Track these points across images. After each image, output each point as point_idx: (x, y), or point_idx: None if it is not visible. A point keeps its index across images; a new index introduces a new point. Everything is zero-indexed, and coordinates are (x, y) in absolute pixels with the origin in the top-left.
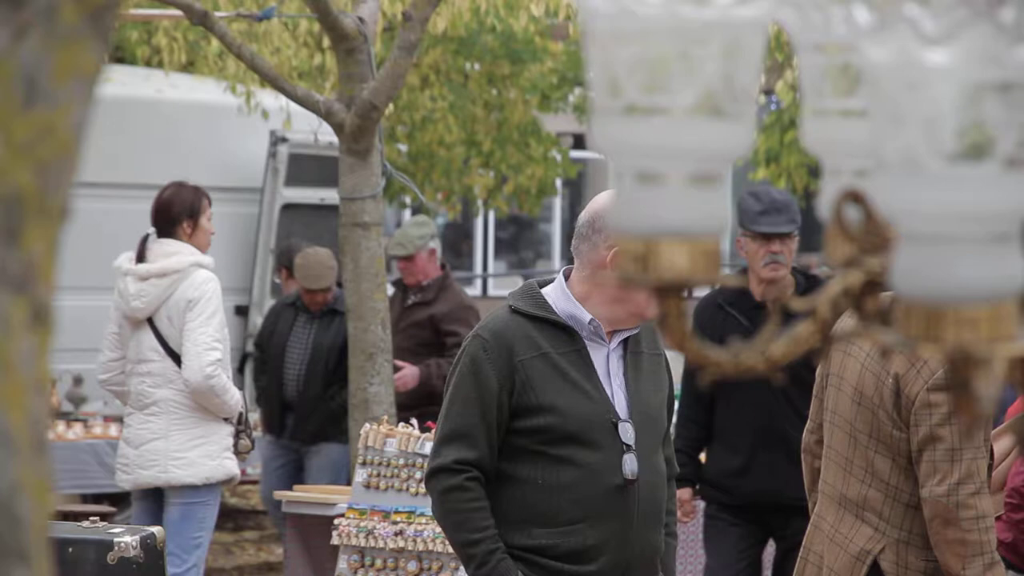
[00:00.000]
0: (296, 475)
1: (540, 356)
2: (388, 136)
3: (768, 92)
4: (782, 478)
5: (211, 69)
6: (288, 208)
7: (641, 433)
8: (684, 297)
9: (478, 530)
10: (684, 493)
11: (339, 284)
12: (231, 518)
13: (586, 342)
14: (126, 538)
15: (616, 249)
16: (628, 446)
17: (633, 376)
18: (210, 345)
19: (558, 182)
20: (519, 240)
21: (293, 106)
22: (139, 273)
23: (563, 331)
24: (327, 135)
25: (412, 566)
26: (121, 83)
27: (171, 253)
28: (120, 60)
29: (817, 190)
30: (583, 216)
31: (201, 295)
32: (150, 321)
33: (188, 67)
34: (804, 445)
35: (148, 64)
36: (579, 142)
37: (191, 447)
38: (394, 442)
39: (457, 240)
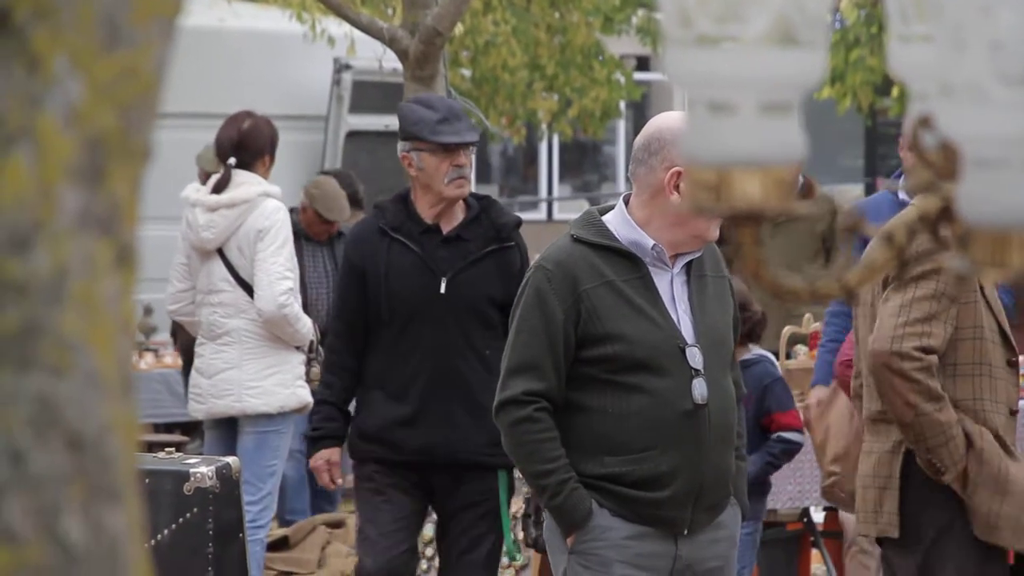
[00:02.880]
0: None
1: (604, 284)
2: (452, 61)
3: (833, 10)
4: (460, 430)
5: None
6: (353, 135)
7: (709, 357)
8: (759, 226)
9: (549, 460)
10: (332, 454)
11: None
12: None
13: (649, 268)
14: (202, 468)
15: (674, 169)
16: (697, 371)
17: (699, 300)
18: (282, 275)
19: (622, 104)
20: (583, 163)
21: (357, 33)
22: (208, 204)
23: (626, 258)
24: (391, 61)
25: None
26: (185, 12)
27: (240, 183)
28: None
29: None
30: (639, 140)
31: (271, 224)
32: (220, 252)
33: None
34: (854, 391)
35: None
36: (642, 64)
37: (265, 376)
38: None
39: (522, 164)
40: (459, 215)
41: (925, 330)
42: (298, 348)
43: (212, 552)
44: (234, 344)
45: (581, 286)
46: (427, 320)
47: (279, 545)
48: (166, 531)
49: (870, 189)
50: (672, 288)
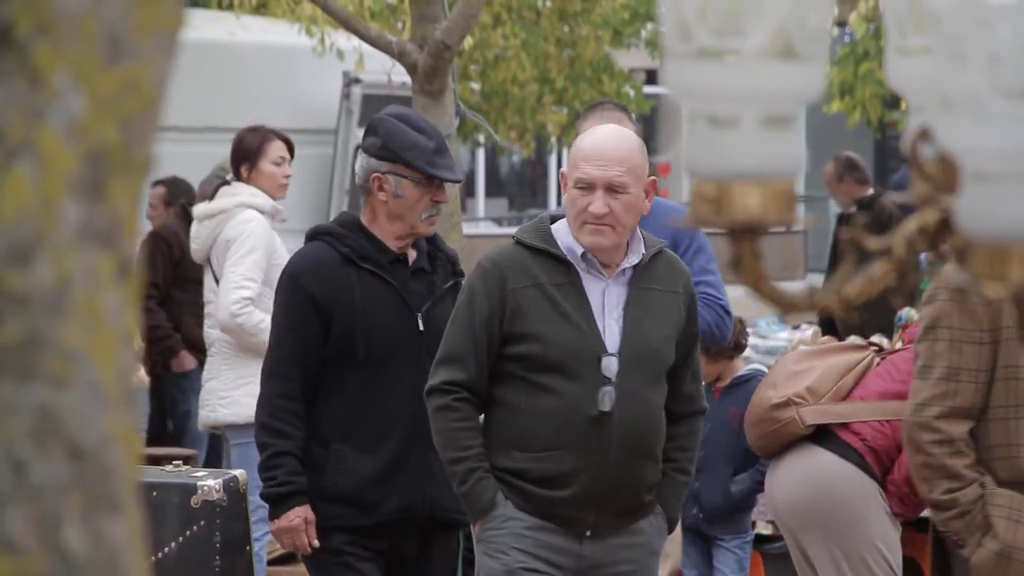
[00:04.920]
0: None
1: (534, 286)
2: (461, 75)
3: (841, 24)
4: (436, 483)
5: (284, 11)
6: None
7: (630, 368)
8: (758, 238)
9: (462, 449)
10: (308, 512)
11: None
12: None
13: (582, 274)
14: (209, 481)
15: (562, 170)
16: (608, 379)
17: (635, 311)
18: (239, 284)
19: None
20: None
21: (366, 47)
22: (198, 215)
23: (561, 263)
24: (400, 75)
25: None
26: (194, 26)
27: (229, 194)
28: (193, 3)
29: (892, 121)
30: None
31: (238, 234)
32: (209, 263)
33: (260, 9)
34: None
35: (220, 7)
36: (652, 78)
37: (237, 387)
38: None
39: (532, 177)
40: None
41: (950, 389)
42: None
43: (219, 565)
44: (217, 355)
45: (509, 286)
46: (405, 360)
47: (286, 559)
48: (173, 544)
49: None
50: (604, 296)
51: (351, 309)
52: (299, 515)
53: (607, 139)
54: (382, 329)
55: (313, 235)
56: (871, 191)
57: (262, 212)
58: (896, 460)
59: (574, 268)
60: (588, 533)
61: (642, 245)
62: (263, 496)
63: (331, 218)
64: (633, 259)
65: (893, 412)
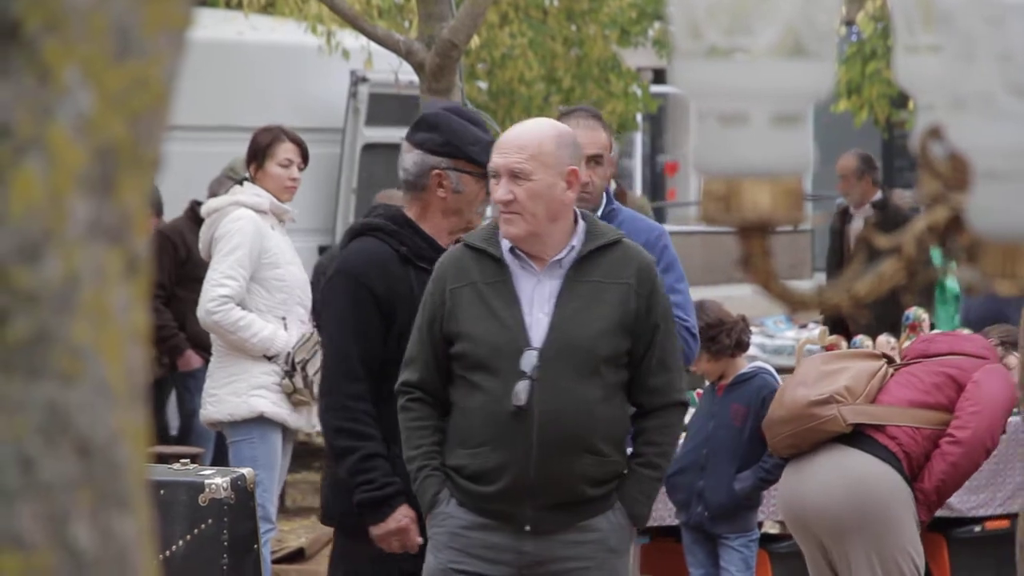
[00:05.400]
0: None
1: (468, 285)
2: (468, 74)
3: (849, 23)
4: None
5: (291, 10)
6: (369, 148)
7: (553, 362)
8: (768, 237)
9: (413, 447)
10: (410, 511)
11: None
12: (318, 457)
13: (515, 271)
14: (217, 479)
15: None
16: (523, 373)
17: (566, 304)
18: (218, 281)
19: (639, 117)
20: None
21: (373, 46)
22: (203, 214)
23: (496, 261)
24: (407, 74)
25: None
26: (202, 25)
27: (233, 194)
28: (201, 2)
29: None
30: None
31: (224, 232)
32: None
33: (268, 8)
34: None
35: (228, 6)
36: (659, 77)
37: (223, 384)
38: None
39: None
40: None
41: None
42: (270, 359)
43: (227, 563)
44: (214, 354)
45: (448, 286)
46: None
47: (295, 557)
48: (181, 542)
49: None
50: (535, 290)
51: (412, 308)
52: (406, 515)
53: (516, 129)
54: None
55: (362, 230)
56: (879, 193)
57: (259, 211)
58: (924, 468)
59: (505, 265)
60: (528, 528)
61: (582, 237)
62: (361, 502)
63: (338, 217)
64: (564, 252)
65: (925, 420)
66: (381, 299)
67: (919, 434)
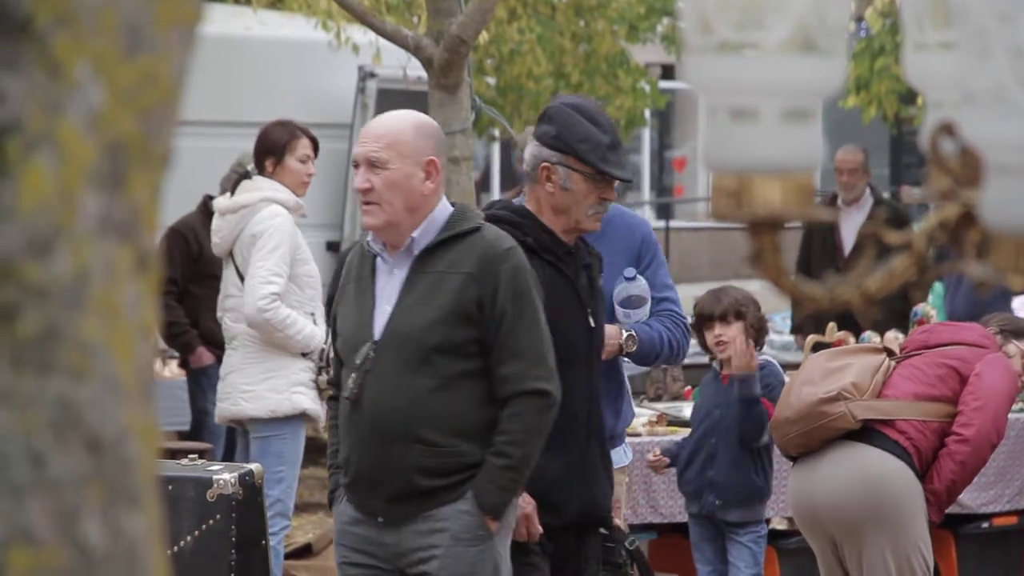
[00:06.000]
0: None
1: (351, 283)
2: (477, 70)
3: (858, 19)
4: (599, 483)
5: (299, 5)
6: None
7: (383, 353)
8: (778, 232)
9: (329, 445)
10: (528, 498)
11: None
12: (324, 453)
13: (379, 264)
14: (225, 475)
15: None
16: (357, 365)
17: (406, 295)
18: (266, 279)
19: (647, 113)
20: None
21: (382, 41)
22: (220, 209)
23: (373, 257)
24: (416, 70)
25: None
26: (210, 21)
27: (251, 189)
28: None
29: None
30: None
31: (264, 229)
32: (232, 257)
33: (276, 4)
34: None
35: (237, 2)
36: (667, 72)
37: (260, 380)
38: None
39: None
40: None
41: None
42: (305, 355)
43: (235, 559)
44: (239, 348)
45: (340, 285)
46: (581, 359)
47: (302, 553)
48: (189, 537)
49: (896, 198)
50: (388, 283)
51: (539, 300)
52: (529, 502)
53: (377, 119)
54: (565, 326)
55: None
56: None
57: (286, 208)
58: (932, 468)
59: (371, 260)
60: (380, 520)
61: (432, 228)
62: None
63: (346, 213)
64: (409, 242)
65: (932, 413)
66: None
67: (927, 428)
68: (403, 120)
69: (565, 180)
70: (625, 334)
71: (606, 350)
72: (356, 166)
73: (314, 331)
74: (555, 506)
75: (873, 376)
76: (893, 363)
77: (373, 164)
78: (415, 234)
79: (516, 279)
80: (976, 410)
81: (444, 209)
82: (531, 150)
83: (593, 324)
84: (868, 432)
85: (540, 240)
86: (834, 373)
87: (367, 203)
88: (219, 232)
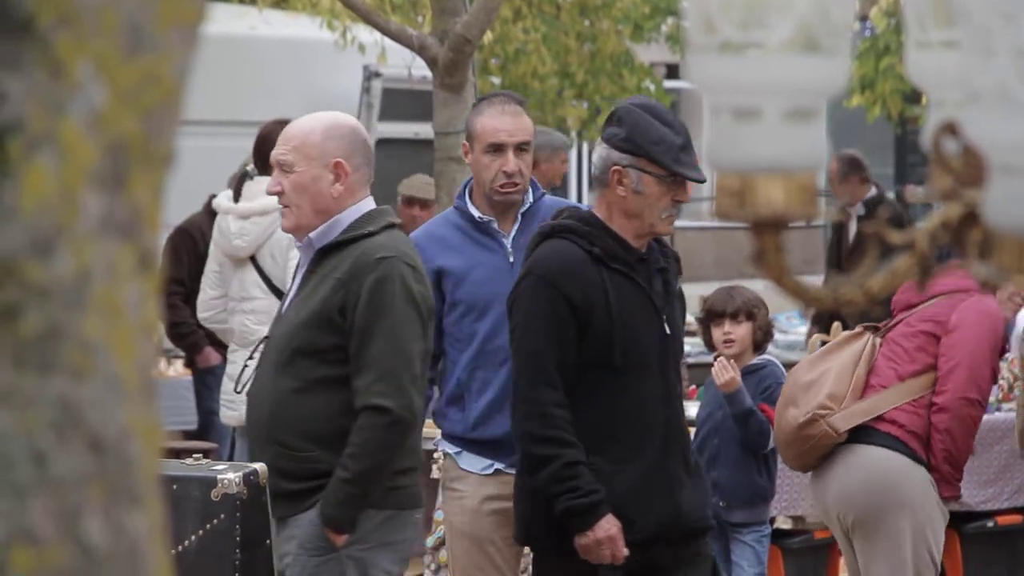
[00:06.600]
0: None
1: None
2: (481, 69)
3: (863, 18)
4: (685, 494)
5: (304, 5)
6: (382, 143)
7: (269, 350)
8: (781, 232)
9: None
10: (613, 520)
11: None
12: None
13: (300, 263)
14: (229, 475)
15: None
16: (255, 364)
17: (294, 296)
18: None
19: None
20: None
21: (387, 40)
22: (240, 212)
23: None
24: (421, 69)
25: None
26: (214, 20)
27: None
28: None
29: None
30: None
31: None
32: (253, 259)
33: (281, 3)
34: None
35: (242, 1)
36: (672, 72)
37: None
38: None
39: None
40: None
41: None
42: None
43: (239, 559)
44: None
45: None
46: (656, 366)
47: None
48: (193, 537)
49: (899, 198)
50: (297, 282)
51: (607, 312)
52: (613, 523)
53: (294, 121)
54: (637, 333)
55: (551, 232)
56: (874, 190)
57: None
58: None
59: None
60: (274, 518)
61: (333, 229)
62: (566, 511)
63: None
64: (307, 241)
65: (919, 389)
66: (575, 302)
67: (918, 405)
68: (314, 122)
69: (637, 183)
70: None
71: None
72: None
73: None
74: (630, 520)
75: (853, 374)
76: (879, 341)
77: (282, 167)
78: (312, 235)
79: (378, 291)
80: (948, 372)
81: (356, 211)
82: (600, 153)
83: (669, 331)
84: (862, 431)
85: (608, 249)
86: (811, 388)
87: (283, 206)
88: (245, 235)
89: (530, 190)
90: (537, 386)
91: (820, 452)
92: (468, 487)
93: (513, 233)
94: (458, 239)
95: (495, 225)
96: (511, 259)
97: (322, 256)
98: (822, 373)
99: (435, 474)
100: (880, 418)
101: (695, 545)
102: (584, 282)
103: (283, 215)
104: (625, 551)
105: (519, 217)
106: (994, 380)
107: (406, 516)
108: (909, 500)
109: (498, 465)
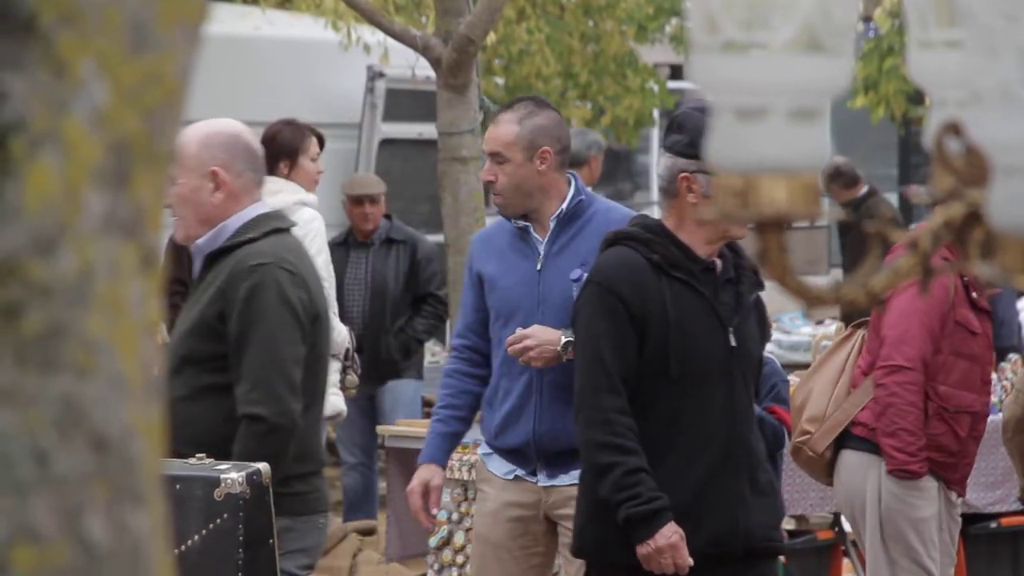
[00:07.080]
0: (371, 415)
1: None
2: (485, 70)
3: (867, 19)
4: (749, 511)
5: (308, 5)
6: (386, 143)
7: (166, 359)
8: (784, 232)
9: None
10: (675, 527)
11: (387, 216)
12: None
13: None
14: (232, 474)
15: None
16: None
17: (186, 303)
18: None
19: (655, 113)
20: (617, 172)
21: (390, 41)
22: None
23: None
24: (424, 69)
25: None
26: (219, 21)
27: (275, 192)
28: None
29: (916, 117)
30: None
31: (306, 233)
32: None
33: (285, 4)
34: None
35: (245, 1)
36: (676, 73)
37: None
38: None
39: None
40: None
41: None
42: (333, 356)
43: (242, 558)
44: None
45: None
46: (717, 378)
47: None
48: (196, 537)
49: (902, 198)
50: None
51: (664, 321)
52: (675, 531)
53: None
54: (696, 343)
55: (614, 240)
56: (865, 188)
57: (314, 209)
58: None
59: None
60: None
61: (219, 236)
62: (628, 518)
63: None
64: (194, 249)
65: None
66: (633, 309)
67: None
68: (192, 132)
69: (707, 188)
70: (564, 340)
71: (543, 358)
72: None
73: (341, 329)
74: (685, 533)
75: (832, 390)
76: (865, 335)
77: (171, 179)
78: (200, 242)
79: (254, 297)
80: (880, 349)
81: (242, 218)
82: (665, 163)
83: (735, 343)
84: (842, 438)
85: (669, 257)
86: (799, 413)
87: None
88: None
89: (570, 195)
90: (599, 393)
91: (820, 470)
92: (492, 490)
93: (546, 239)
94: (504, 243)
95: (532, 230)
96: (539, 266)
97: (210, 263)
98: (807, 394)
99: (450, 474)
100: (852, 423)
101: (758, 567)
102: (642, 289)
103: (174, 226)
104: (689, 560)
105: (553, 223)
106: (964, 358)
107: (308, 522)
108: (871, 497)
109: (519, 472)
